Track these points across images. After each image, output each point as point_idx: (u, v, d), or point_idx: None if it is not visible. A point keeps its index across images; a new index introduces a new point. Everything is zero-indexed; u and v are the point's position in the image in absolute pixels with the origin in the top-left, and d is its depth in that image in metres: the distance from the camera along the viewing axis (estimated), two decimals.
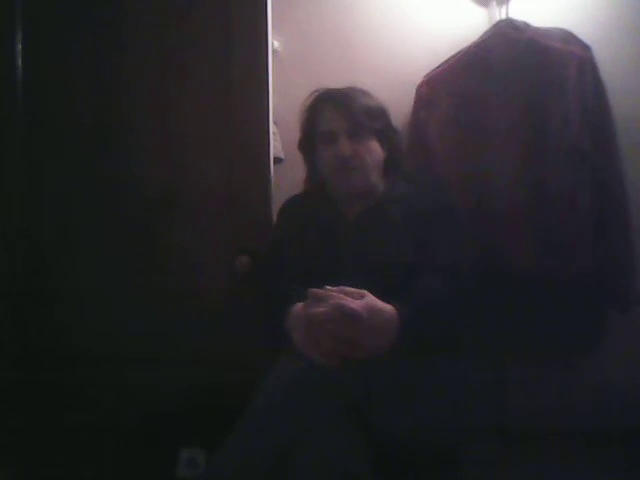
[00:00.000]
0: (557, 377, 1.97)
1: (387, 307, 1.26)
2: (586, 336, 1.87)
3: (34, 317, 1.77)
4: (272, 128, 1.78)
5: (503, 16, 1.93)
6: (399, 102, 1.92)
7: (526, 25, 1.87)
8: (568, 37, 1.86)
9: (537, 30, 1.87)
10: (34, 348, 1.77)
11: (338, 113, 1.50)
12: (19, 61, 1.76)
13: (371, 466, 1.22)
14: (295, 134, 1.64)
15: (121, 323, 1.74)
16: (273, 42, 1.83)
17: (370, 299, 1.25)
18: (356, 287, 1.28)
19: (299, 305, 1.32)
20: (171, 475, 1.64)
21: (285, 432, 1.21)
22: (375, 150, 1.53)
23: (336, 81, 1.60)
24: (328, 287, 1.27)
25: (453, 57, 1.93)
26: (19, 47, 1.76)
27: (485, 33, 1.91)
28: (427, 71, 1.96)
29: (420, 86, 1.96)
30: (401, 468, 1.28)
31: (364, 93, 1.55)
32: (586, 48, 1.84)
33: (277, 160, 1.87)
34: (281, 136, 1.91)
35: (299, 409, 1.23)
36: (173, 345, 1.73)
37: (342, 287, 1.26)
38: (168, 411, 1.72)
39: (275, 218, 1.72)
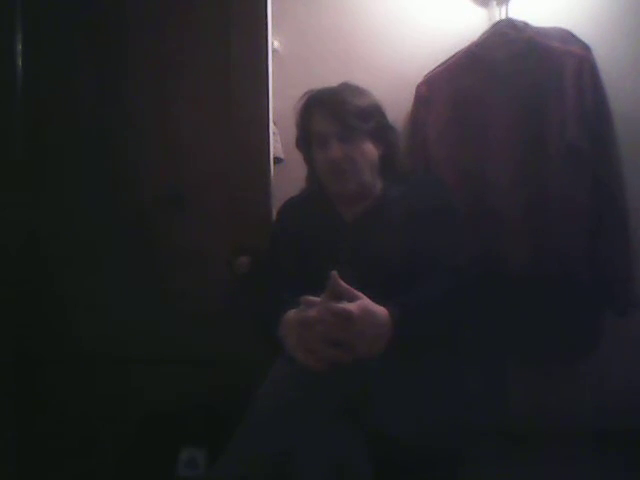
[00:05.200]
0: (557, 378, 1.97)
1: (380, 310, 1.24)
2: (584, 338, 1.86)
3: (35, 317, 1.77)
4: (272, 128, 1.78)
5: (503, 16, 1.93)
6: (399, 102, 1.92)
7: (525, 25, 1.87)
8: (567, 37, 1.86)
9: (536, 30, 1.87)
10: (34, 348, 1.77)
11: (328, 116, 1.48)
12: (19, 61, 1.76)
13: (371, 466, 1.22)
14: (295, 134, 1.63)
15: (121, 323, 1.74)
16: (273, 42, 1.84)
17: (364, 301, 1.23)
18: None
19: (292, 311, 1.30)
20: (171, 475, 1.64)
21: (284, 437, 1.20)
22: (368, 151, 1.51)
23: (336, 81, 1.58)
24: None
25: (453, 57, 1.93)
26: (19, 47, 1.76)
27: (485, 33, 1.91)
28: (427, 71, 1.96)
29: (420, 86, 1.97)
30: (401, 468, 1.28)
31: (357, 92, 1.52)
32: (585, 48, 1.84)
33: (277, 160, 1.87)
34: (281, 136, 1.91)
35: (297, 413, 1.21)
36: (173, 345, 1.73)
37: (337, 282, 1.24)
38: (168, 411, 1.72)
39: (274, 220, 1.72)
